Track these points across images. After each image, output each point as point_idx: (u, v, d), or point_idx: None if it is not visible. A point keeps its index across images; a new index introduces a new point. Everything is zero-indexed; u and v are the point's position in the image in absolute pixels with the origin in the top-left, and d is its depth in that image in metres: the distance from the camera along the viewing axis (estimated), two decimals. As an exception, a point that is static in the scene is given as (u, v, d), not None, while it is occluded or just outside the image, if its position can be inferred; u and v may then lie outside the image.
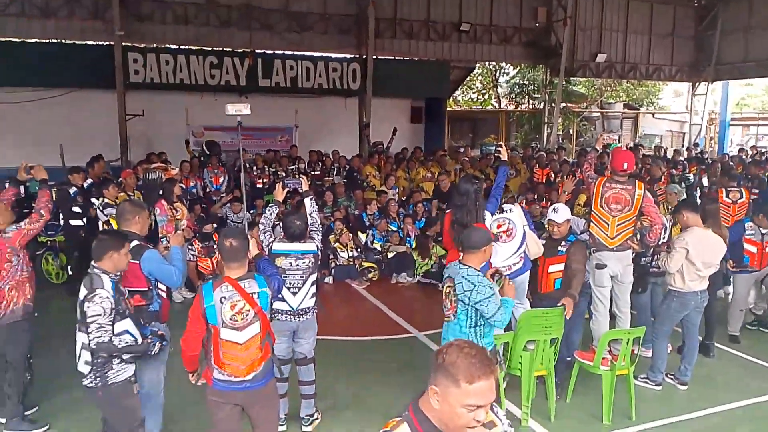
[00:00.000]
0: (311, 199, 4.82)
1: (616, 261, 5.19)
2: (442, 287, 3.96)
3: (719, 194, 7.93)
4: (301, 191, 4.98)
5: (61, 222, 7.74)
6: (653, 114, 27.93)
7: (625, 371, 4.83)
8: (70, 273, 7.85)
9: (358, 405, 4.90)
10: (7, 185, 5.09)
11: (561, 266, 4.89)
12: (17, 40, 13.16)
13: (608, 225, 5.12)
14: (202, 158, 11.63)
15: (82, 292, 3.35)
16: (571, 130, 24.09)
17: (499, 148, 5.57)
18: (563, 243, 4.92)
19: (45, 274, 8.00)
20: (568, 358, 5.36)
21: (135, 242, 3.85)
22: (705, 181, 12.07)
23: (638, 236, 5.52)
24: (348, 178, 11.53)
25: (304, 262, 4.38)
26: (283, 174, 11.44)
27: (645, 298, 6.00)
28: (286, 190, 5.00)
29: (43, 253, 8.21)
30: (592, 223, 5.22)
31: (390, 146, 12.96)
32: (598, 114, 26.22)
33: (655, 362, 5.38)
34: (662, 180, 10.32)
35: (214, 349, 3.21)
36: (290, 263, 4.36)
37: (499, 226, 5.07)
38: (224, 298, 3.16)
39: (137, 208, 4.11)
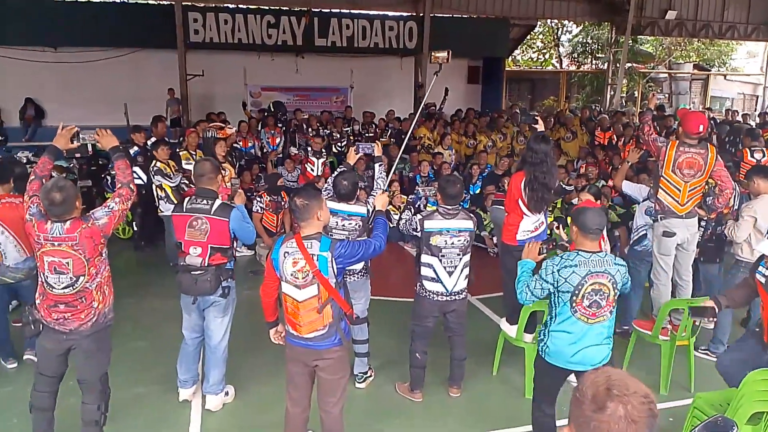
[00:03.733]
0: (380, 165, 4.74)
1: (685, 228, 4.99)
2: (578, 289, 3.27)
3: (744, 154, 7.69)
4: (373, 156, 4.87)
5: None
6: (725, 76, 26.39)
7: (685, 342, 4.69)
8: (134, 229, 8.15)
9: (408, 363, 4.96)
10: (44, 156, 3.69)
11: None
12: (83, 0, 13.49)
13: (680, 191, 4.91)
14: (265, 115, 11.73)
15: None
16: (635, 92, 23.11)
17: (537, 118, 5.38)
18: None
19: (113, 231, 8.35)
20: (625, 327, 5.26)
21: (218, 201, 4.02)
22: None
23: (707, 201, 5.30)
24: (398, 140, 11.45)
25: (350, 224, 4.34)
26: (338, 135, 11.48)
27: (717, 269, 5.78)
28: (359, 155, 4.89)
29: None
30: (660, 189, 5.01)
31: (443, 107, 12.76)
32: (666, 75, 24.99)
33: (717, 334, 5.21)
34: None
35: (282, 301, 3.30)
36: (336, 222, 4.32)
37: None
38: (287, 253, 3.20)
39: (217, 168, 4.21)
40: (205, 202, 4.00)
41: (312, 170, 8.95)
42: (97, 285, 3.39)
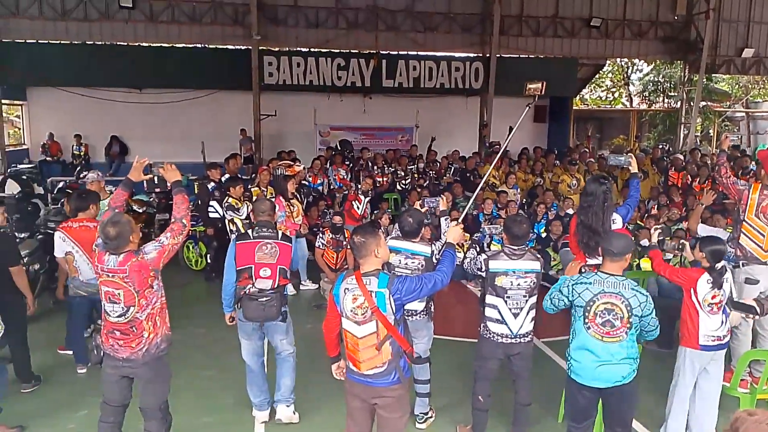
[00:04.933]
0: (446, 220, 4.69)
1: (765, 276, 4.77)
2: (589, 305, 3.56)
3: None
4: (438, 212, 4.78)
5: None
6: (807, 114, 25.11)
7: (766, 395, 4.44)
8: (208, 261, 8.48)
9: (471, 405, 4.89)
10: (119, 188, 3.94)
11: None
12: (167, 45, 14.43)
13: (764, 236, 4.71)
14: (333, 154, 12.06)
15: None
16: (711, 131, 22.30)
17: (630, 160, 5.19)
18: None
19: (185, 261, 8.72)
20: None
21: (279, 231, 4.52)
22: None
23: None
24: (462, 178, 11.45)
25: (413, 263, 4.32)
26: (402, 173, 11.62)
27: None
28: (424, 209, 4.88)
29: (185, 241, 8.94)
30: (743, 234, 4.81)
31: (507, 146, 12.66)
32: (743, 114, 24.02)
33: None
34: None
35: (343, 337, 3.36)
36: (399, 261, 4.35)
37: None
38: (347, 289, 3.27)
39: (274, 206, 4.76)
40: (269, 231, 4.45)
41: (357, 208, 8.89)
42: (148, 315, 3.52)
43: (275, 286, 4.33)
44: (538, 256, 4.27)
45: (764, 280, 4.76)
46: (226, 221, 7.55)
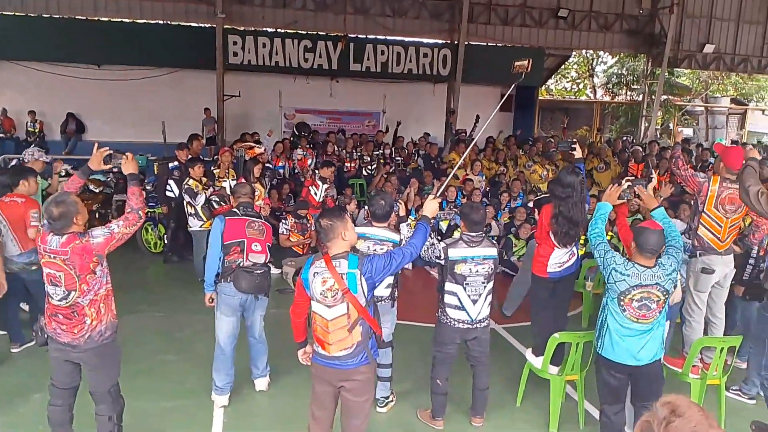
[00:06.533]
0: (407, 225, 4.54)
1: (723, 265, 4.89)
2: (624, 294, 3.60)
3: None
4: (398, 215, 4.80)
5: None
6: (763, 111, 25.91)
7: (716, 381, 4.58)
8: (165, 243, 8.31)
9: (430, 389, 4.92)
10: (75, 173, 3.82)
11: None
12: (128, 20, 13.98)
13: (721, 227, 4.82)
14: (292, 139, 11.96)
15: None
16: (671, 125, 22.83)
17: (574, 146, 5.24)
18: None
19: (144, 243, 8.52)
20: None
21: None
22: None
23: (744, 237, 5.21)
24: (427, 165, 11.46)
25: (382, 249, 4.26)
26: (368, 158, 11.57)
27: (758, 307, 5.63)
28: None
29: (144, 224, 8.73)
30: (701, 225, 4.92)
31: (473, 134, 12.77)
32: (702, 108, 24.65)
33: (750, 374, 5.06)
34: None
35: (312, 321, 3.33)
36: (368, 247, 4.30)
37: None
38: (317, 273, 3.24)
39: (254, 190, 5.12)
40: (253, 211, 4.66)
41: (315, 194, 8.54)
42: (90, 302, 3.38)
43: (266, 261, 4.54)
44: (495, 242, 4.32)
45: (720, 269, 4.89)
46: (184, 203, 7.38)
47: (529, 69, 5.03)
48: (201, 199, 7.21)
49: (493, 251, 4.20)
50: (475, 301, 4.15)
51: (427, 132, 13.23)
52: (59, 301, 3.38)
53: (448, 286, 4.17)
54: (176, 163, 8.10)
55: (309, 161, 11.06)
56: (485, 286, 4.16)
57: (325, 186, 8.46)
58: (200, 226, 7.24)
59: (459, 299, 4.15)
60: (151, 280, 7.83)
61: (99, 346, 3.45)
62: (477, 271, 4.12)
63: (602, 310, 3.79)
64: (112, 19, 13.88)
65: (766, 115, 25.40)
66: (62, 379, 3.56)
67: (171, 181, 7.81)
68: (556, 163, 10.94)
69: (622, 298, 3.61)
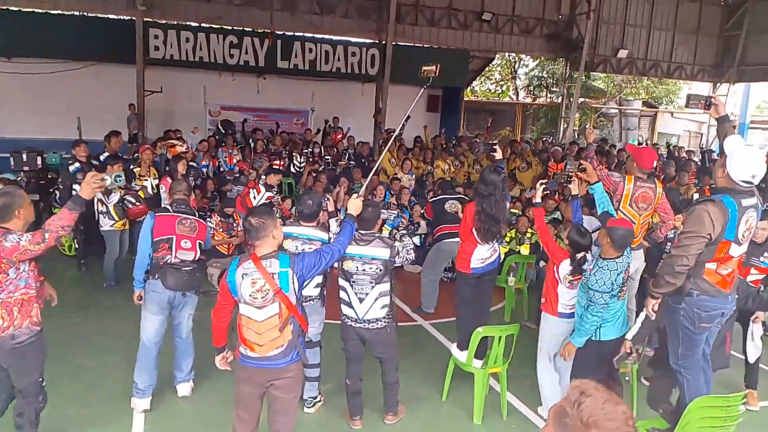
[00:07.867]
0: (336, 221, 4.57)
1: (635, 260, 5.19)
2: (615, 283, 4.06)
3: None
4: (328, 211, 4.67)
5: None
6: (672, 113, 27.62)
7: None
8: (77, 247, 7.92)
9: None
10: (65, 209, 3.51)
11: None
12: (40, 11, 13.23)
13: (635, 224, 5.11)
14: (216, 137, 11.71)
15: None
16: (587, 126, 23.90)
17: (495, 147, 5.41)
18: None
19: (58, 246, 8.11)
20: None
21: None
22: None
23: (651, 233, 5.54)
24: (357, 163, 11.55)
25: (310, 248, 4.22)
26: (298, 156, 11.51)
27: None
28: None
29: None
30: None
31: (401, 133, 12.91)
32: (616, 111, 25.99)
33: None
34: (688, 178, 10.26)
35: (238, 323, 3.28)
36: (296, 247, 4.30)
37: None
38: (245, 274, 3.19)
39: (189, 186, 5.02)
40: (187, 208, 4.65)
41: (254, 198, 8.13)
42: (2, 303, 3.30)
43: (196, 258, 4.51)
44: (390, 243, 4.16)
45: (634, 263, 5.19)
46: (95, 200, 6.93)
47: (436, 73, 5.17)
48: (115, 198, 6.91)
49: (384, 252, 4.07)
50: (362, 300, 4.11)
51: (352, 136, 13.19)
52: None
53: (340, 281, 4.21)
54: (77, 164, 7.48)
55: (235, 159, 10.89)
56: (373, 287, 4.09)
57: (268, 194, 8.17)
58: (111, 226, 6.98)
59: (348, 295, 4.16)
60: (66, 284, 7.45)
61: (7, 350, 3.37)
62: (364, 270, 4.07)
63: (591, 314, 4.04)
64: (22, 9, 13.08)
65: (675, 117, 27.07)
66: None
67: (76, 185, 7.35)
68: (481, 162, 11.27)
69: (614, 287, 4.03)
